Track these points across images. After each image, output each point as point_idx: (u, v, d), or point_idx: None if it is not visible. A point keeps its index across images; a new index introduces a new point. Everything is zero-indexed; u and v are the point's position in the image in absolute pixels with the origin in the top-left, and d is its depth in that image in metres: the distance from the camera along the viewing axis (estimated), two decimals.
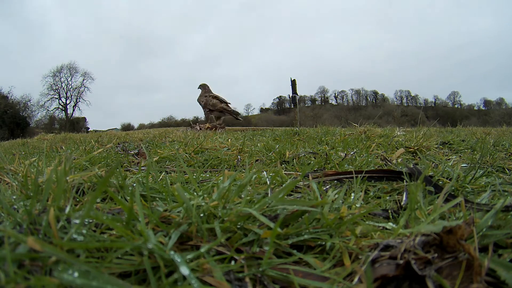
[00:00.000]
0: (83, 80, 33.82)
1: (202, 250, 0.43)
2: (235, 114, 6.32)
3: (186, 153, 1.70)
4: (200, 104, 6.35)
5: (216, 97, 6.18)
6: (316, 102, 50.04)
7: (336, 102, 50.16)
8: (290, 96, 8.73)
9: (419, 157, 1.62)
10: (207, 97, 6.21)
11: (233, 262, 0.44)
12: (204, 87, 6.37)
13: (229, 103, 6.20)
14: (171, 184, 0.82)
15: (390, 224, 0.55)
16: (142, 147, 2.18)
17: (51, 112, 32.62)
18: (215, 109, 6.07)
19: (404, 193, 0.79)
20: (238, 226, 0.50)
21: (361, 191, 0.73)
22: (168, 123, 34.12)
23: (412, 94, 48.84)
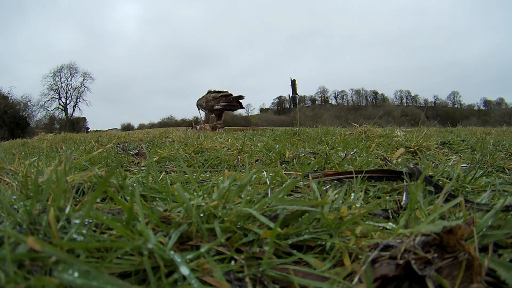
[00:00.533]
0: (83, 80, 33.86)
1: (202, 250, 0.43)
2: (238, 98, 6.17)
3: (186, 153, 1.70)
4: (202, 106, 6.32)
5: (213, 91, 6.17)
6: (316, 102, 50.07)
7: (336, 102, 50.20)
8: (290, 96, 8.72)
9: (419, 157, 1.62)
10: (205, 96, 6.21)
11: (233, 262, 0.44)
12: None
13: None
14: (171, 184, 0.82)
15: (390, 224, 0.55)
16: (142, 147, 2.18)
17: (51, 112, 32.64)
18: (217, 99, 6.00)
19: (404, 193, 0.79)
20: (238, 226, 0.50)
21: (361, 191, 0.73)
22: (168, 123, 34.15)
23: (412, 94, 48.90)
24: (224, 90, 6.20)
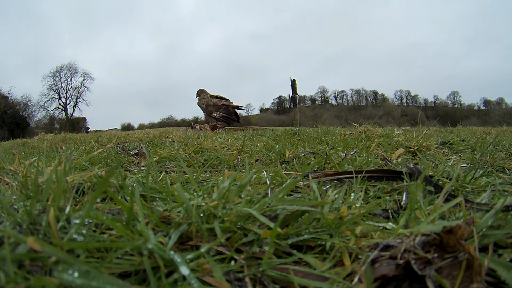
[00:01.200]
0: (83, 80, 33.86)
1: (202, 250, 0.43)
2: (236, 107, 6.14)
3: (186, 153, 1.70)
4: (201, 108, 6.27)
5: (215, 97, 6.13)
6: (316, 102, 50.06)
7: (336, 102, 50.18)
8: (290, 96, 8.73)
9: (419, 157, 1.62)
10: (206, 98, 6.17)
11: (233, 262, 0.44)
12: (202, 92, 6.33)
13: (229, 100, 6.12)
14: (171, 184, 0.82)
15: (390, 224, 0.55)
16: (142, 147, 2.18)
17: (51, 112, 32.65)
18: (218, 107, 5.96)
19: (404, 193, 0.79)
20: (238, 226, 0.50)
21: (361, 191, 0.73)
22: (168, 123, 34.19)
23: (412, 94, 48.85)
24: (226, 98, 6.12)
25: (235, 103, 6.12)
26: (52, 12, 57.43)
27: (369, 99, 49.98)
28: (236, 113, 6.17)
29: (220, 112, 5.99)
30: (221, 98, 6.10)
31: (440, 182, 0.90)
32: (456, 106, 47.41)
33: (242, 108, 6.26)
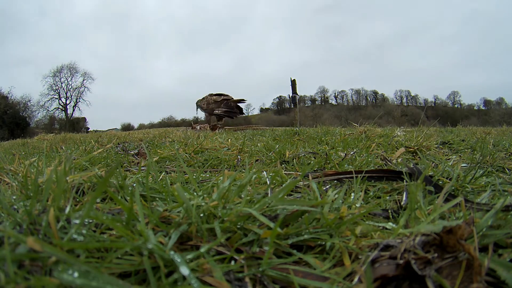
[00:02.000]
0: (83, 80, 33.88)
1: (202, 250, 0.43)
2: (238, 101, 6.14)
3: (186, 153, 1.70)
4: (202, 108, 6.26)
5: (215, 94, 6.14)
6: (316, 102, 50.08)
7: (336, 102, 50.20)
8: (290, 96, 8.73)
9: (419, 157, 1.62)
10: (206, 98, 6.18)
11: (233, 262, 0.44)
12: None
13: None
14: (171, 184, 0.82)
15: (390, 224, 0.55)
16: (142, 147, 2.17)
17: (51, 112, 32.66)
18: (218, 103, 5.95)
19: (404, 193, 0.79)
20: (238, 226, 0.50)
21: (361, 191, 0.73)
22: (168, 123, 34.17)
23: (412, 94, 48.87)
24: (225, 94, 6.15)
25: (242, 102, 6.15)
26: (167, 35, 74.26)
27: (369, 99, 50.02)
28: (238, 106, 6.16)
29: (222, 108, 5.99)
30: (220, 94, 6.11)
31: (440, 182, 0.90)
32: (456, 106, 47.43)
33: (243, 101, 6.26)
